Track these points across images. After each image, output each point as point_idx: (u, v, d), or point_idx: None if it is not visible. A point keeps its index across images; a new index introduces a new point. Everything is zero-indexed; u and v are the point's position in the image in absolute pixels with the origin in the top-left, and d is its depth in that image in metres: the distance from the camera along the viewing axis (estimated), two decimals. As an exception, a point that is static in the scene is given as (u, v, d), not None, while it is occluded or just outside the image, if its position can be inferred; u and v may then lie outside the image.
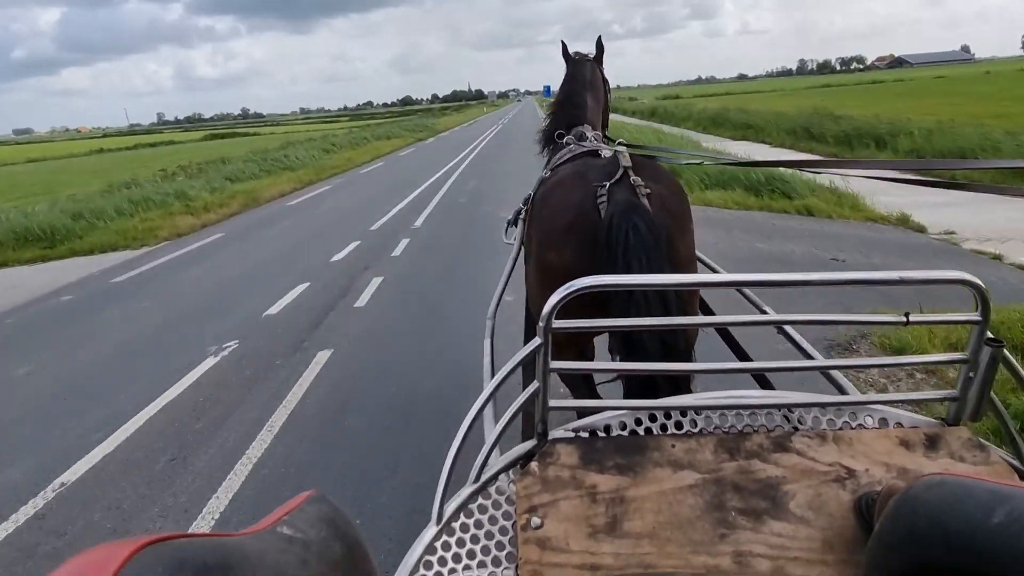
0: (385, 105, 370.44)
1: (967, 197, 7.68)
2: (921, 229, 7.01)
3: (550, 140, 2.76)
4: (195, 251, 8.81)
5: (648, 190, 1.69)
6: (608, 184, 1.70)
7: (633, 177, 1.71)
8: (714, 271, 2.29)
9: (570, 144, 2.45)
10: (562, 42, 3.07)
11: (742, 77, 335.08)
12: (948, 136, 12.04)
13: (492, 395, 1.10)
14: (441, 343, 4.45)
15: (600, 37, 3.08)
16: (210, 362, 4.47)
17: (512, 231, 2.68)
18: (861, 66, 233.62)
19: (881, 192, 8.15)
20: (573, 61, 2.96)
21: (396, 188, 13.29)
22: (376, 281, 6.22)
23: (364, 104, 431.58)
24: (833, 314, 1.12)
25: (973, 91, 34.55)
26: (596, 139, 2.55)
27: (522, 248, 2.43)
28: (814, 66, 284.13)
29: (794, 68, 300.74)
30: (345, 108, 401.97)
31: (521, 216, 2.55)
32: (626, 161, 1.78)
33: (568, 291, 0.96)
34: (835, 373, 1.40)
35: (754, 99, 42.82)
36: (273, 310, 5.55)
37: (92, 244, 9.57)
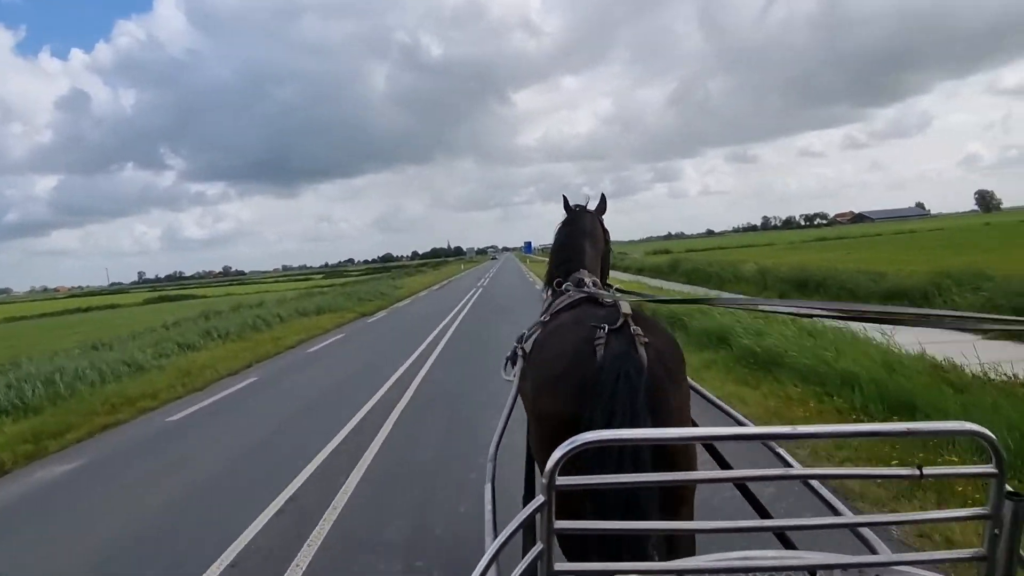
0: (365, 262, 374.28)
1: None
2: None
3: (549, 286, 2.80)
4: None
5: (646, 339, 1.69)
6: (608, 329, 1.71)
7: (633, 327, 1.72)
8: (738, 422, 2.11)
9: (569, 291, 2.43)
10: (564, 196, 3.05)
11: (710, 232, 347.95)
12: None
13: (493, 559, 0.98)
14: None
15: (604, 194, 3.08)
16: None
17: (511, 368, 2.52)
18: (824, 221, 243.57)
19: None
20: (573, 212, 2.96)
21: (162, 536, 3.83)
22: None
23: (345, 261, 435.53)
24: (846, 468, 1.46)
25: (997, 241, 28.98)
26: (595, 285, 2.52)
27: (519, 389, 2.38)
28: (778, 222, 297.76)
29: (759, 223, 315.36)
30: (326, 265, 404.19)
31: (519, 353, 2.42)
32: (626, 309, 1.80)
33: (572, 446, 0.92)
34: (865, 531, 1.29)
35: (762, 253, 36.93)
36: None
37: None
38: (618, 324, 1.73)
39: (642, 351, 1.64)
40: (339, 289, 33.19)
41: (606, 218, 3.08)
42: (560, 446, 0.91)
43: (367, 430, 6.51)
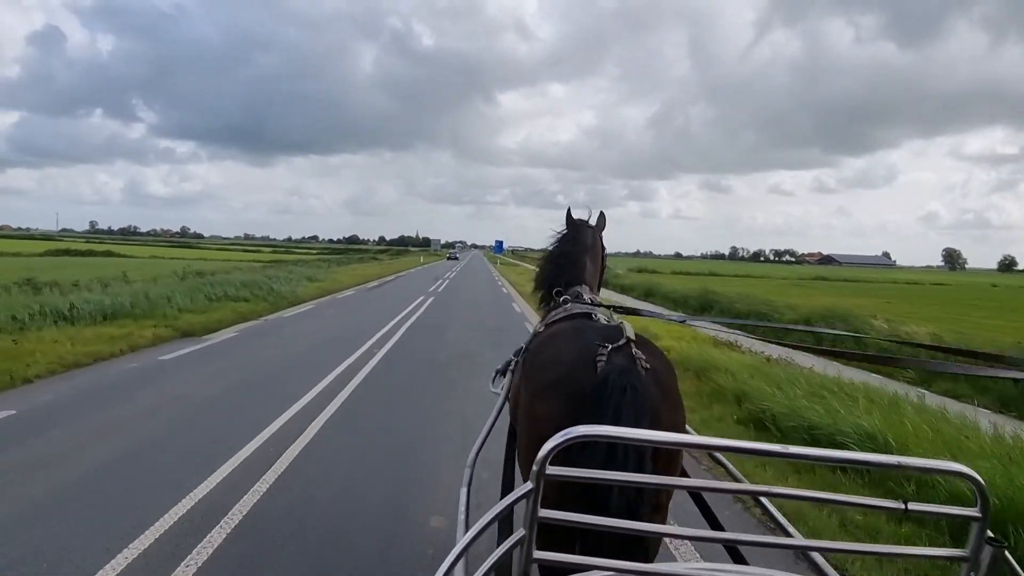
0: (331, 240, 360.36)
1: None
2: None
3: (548, 295, 2.76)
4: None
5: (647, 365, 1.69)
6: (610, 347, 1.72)
7: (635, 349, 1.73)
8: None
9: (568, 303, 2.45)
10: (568, 209, 3.06)
11: (678, 255, 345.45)
12: None
13: (467, 547, 0.99)
14: None
15: (603, 212, 3.14)
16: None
17: (500, 380, 2.60)
18: (793, 259, 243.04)
19: None
20: (575, 225, 2.99)
21: None
22: None
23: (310, 237, 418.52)
24: (824, 492, 1.04)
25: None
26: (593, 301, 2.52)
27: (507, 400, 2.42)
28: (746, 253, 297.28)
29: (727, 253, 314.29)
30: (290, 239, 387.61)
31: (511, 367, 2.51)
32: (631, 333, 1.79)
33: (566, 437, 0.92)
34: (817, 556, 1.26)
35: (763, 288, 30.28)
36: None
37: None
38: (620, 343, 1.74)
39: (642, 372, 1.65)
40: (231, 276, 23.78)
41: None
42: (553, 437, 0.92)
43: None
